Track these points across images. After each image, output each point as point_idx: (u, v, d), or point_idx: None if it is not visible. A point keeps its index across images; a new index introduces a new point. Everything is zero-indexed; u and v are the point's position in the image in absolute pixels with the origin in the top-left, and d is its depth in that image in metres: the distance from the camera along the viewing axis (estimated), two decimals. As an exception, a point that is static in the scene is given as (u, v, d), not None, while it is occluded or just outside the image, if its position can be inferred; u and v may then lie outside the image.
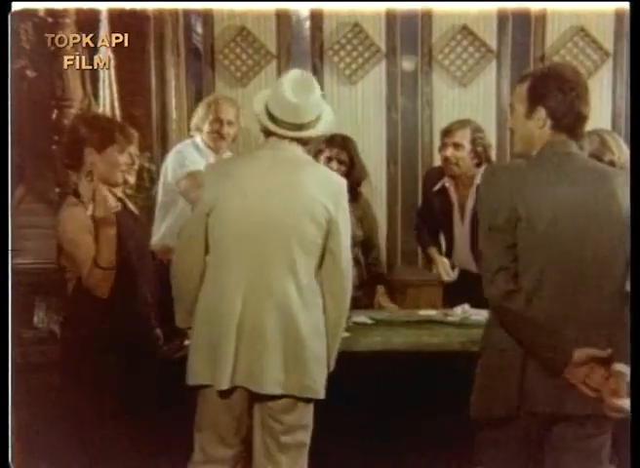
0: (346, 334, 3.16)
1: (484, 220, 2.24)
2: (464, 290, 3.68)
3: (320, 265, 2.60)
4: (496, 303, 2.22)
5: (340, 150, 3.80)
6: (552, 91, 2.21)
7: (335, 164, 3.79)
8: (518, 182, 2.19)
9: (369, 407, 2.95)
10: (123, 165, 2.76)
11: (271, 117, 2.58)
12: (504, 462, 2.27)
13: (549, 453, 2.25)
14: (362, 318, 3.41)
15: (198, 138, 3.78)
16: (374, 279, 3.99)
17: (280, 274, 2.53)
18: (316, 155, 3.81)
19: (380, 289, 4.01)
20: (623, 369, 2.06)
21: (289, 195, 2.55)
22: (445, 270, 3.83)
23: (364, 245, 3.94)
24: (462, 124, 3.74)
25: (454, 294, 3.83)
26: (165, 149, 4.19)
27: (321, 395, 2.59)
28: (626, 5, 2.66)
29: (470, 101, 4.42)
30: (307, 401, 2.60)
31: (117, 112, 3.92)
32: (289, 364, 2.53)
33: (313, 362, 2.56)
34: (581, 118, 2.25)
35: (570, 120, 2.23)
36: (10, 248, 2.56)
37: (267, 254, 2.54)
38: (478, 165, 3.70)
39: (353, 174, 3.82)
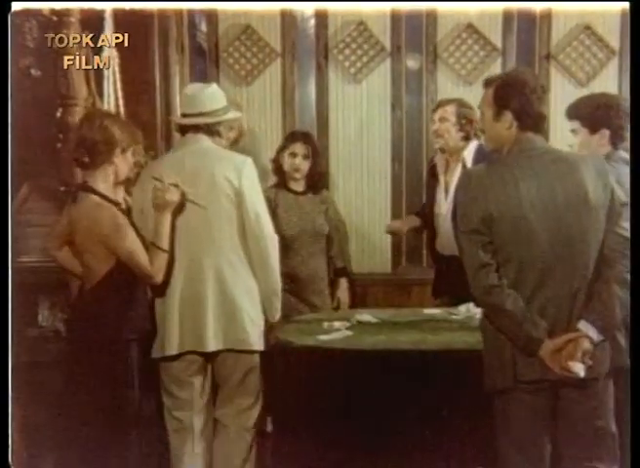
0: (349, 333, 3.16)
1: (461, 223, 2.47)
2: (452, 276, 3.69)
3: (244, 235, 2.99)
4: (478, 298, 2.48)
5: (303, 145, 3.91)
6: (515, 95, 2.47)
7: (299, 159, 3.90)
8: (488, 185, 2.43)
9: (373, 405, 2.95)
10: (133, 165, 2.94)
11: (182, 115, 3.10)
12: (516, 430, 2.48)
13: (559, 414, 2.48)
14: (366, 317, 3.41)
15: None
16: (336, 272, 4.08)
17: (209, 249, 2.96)
18: (279, 152, 3.90)
19: (343, 283, 4.09)
20: (589, 329, 2.36)
21: (201, 179, 2.96)
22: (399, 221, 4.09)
23: (328, 238, 4.02)
24: (448, 100, 3.88)
25: (443, 282, 3.90)
26: (169, 148, 4.19)
27: (257, 347, 3.02)
28: (626, 5, 2.69)
29: (475, 99, 4.35)
30: (243, 353, 3.01)
31: (121, 111, 3.92)
32: (225, 323, 2.96)
33: (247, 321, 2.99)
34: (543, 117, 2.51)
35: (533, 120, 2.47)
36: (10, 247, 2.57)
37: (197, 234, 2.97)
38: (465, 138, 3.78)
39: (315, 168, 3.95)
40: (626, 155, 2.84)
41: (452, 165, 3.83)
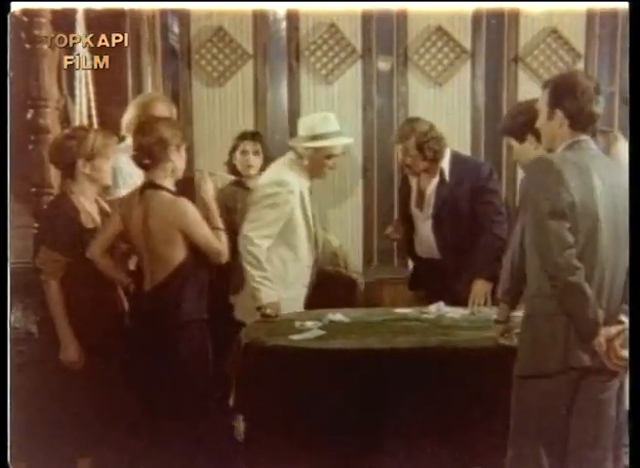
0: (322, 332, 3.19)
1: (543, 206, 2.54)
2: (429, 276, 3.86)
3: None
4: (562, 277, 2.53)
5: (252, 142, 4.03)
6: (566, 95, 2.62)
7: (251, 156, 4.00)
8: (568, 172, 2.54)
9: (345, 404, 2.97)
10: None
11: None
12: (543, 409, 2.62)
13: (580, 401, 2.62)
14: (338, 316, 3.43)
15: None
16: None
17: None
18: (231, 153, 4.05)
19: None
20: (626, 319, 2.56)
21: None
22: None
23: None
24: (406, 134, 3.78)
25: (419, 281, 3.99)
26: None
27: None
28: (622, 5, 2.74)
29: (445, 101, 4.46)
30: None
31: (93, 112, 3.91)
32: None
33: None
34: (593, 118, 2.64)
35: (584, 119, 2.62)
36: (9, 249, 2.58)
37: None
38: (432, 162, 3.77)
39: (266, 164, 4.02)
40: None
41: (426, 179, 3.83)
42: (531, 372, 2.63)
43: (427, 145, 3.74)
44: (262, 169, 4.03)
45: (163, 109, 3.73)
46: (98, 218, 3.21)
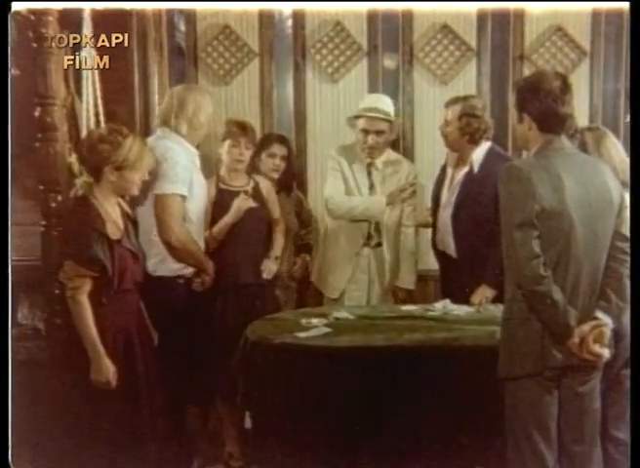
0: (327, 330, 3.20)
1: (512, 216, 2.57)
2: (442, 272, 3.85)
3: None
4: (529, 287, 2.56)
5: (281, 146, 3.99)
6: (530, 99, 2.61)
7: (278, 160, 3.96)
8: (538, 179, 2.53)
9: (352, 402, 2.98)
10: None
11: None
12: (529, 407, 2.65)
13: (562, 396, 2.66)
14: (343, 313, 3.44)
15: (181, 138, 3.53)
16: (301, 248, 4.19)
17: None
18: (257, 154, 3.89)
19: (305, 256, 4.21)
20: (606, 318, 2.58)
21: None
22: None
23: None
24: (456, 100, 3.78)
25: (446, 279, 3.91)
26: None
27: None
28: (626, 5, 2.75)
29: (451, 99, 4.45)
30: None
31: (100, 110, 3.91)
32: None
33: None
34: (561, 118, 2.61)
35: (552, 121, 2.60)
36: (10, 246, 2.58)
37: None
38: (470, 141, 3.72)
39: (290, 169, 4.05)
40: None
41: (460, 163, 3.80)
42: (511, 374, 2.65)
43: (468, 119, 3.68)
44: (285, 174, 4.03)
45: (200, 100, 3.59)
46: (122, 225, 3.05)
